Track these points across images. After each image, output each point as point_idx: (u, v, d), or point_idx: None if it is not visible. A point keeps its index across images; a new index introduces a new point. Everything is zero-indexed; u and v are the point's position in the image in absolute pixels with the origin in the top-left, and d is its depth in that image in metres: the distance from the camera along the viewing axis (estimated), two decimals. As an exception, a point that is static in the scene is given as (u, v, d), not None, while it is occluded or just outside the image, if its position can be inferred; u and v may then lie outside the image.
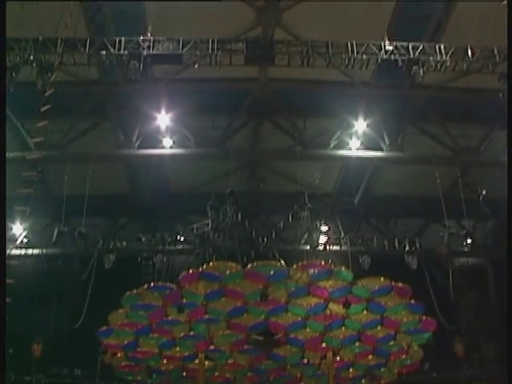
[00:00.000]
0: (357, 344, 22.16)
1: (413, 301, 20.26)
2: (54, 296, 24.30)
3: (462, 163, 20.58)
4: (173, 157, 19.78)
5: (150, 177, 22.04)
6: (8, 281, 18.51)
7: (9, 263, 19.43)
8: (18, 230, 20.23)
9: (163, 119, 18.89)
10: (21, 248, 20.76)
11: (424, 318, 20.88)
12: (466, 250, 22.16)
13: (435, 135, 20.00)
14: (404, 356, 22.89)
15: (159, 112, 18.76)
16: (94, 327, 20.55)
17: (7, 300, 17.48)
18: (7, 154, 15.67)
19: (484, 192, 19.73)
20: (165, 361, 22.49)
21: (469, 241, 20.76)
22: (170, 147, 19.36)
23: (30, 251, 21.36)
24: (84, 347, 21.85)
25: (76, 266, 22.15)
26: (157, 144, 19.31)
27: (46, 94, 16.16)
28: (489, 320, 24.52)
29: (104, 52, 15.83)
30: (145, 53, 15.69)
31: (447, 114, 19.63)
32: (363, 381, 24.38)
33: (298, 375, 23.95)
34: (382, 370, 23.69)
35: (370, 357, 22.89)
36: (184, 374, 23.20)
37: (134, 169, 21.62)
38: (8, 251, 19.74)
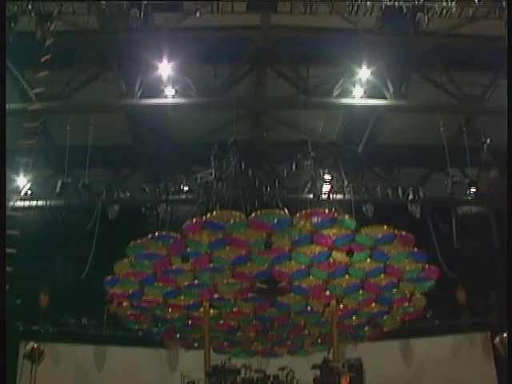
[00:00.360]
0: (360, 292, 22.95)
1: (416, 249, 20.97)
2: (59, 247, 25.05)
3: (467, 111, 20.76)
4: (175, 106, 19.93)
5: (152, 127, 22.32)
6: (13, 232, 19.40)
7: (13, 214, 20.20)
8: (21, 181, 20.71)
9: (165, 68, 18.94)
10: (25, 200, 21.28)
11: (427, 266, 21.61)
12: (469, 198, 22.67)
13: (440, 83, 20.10)
14: (407, 304, 23.74)
15: (161, 61, 18.78)
16: (99, 277, 21.31)
17: (11, 250, 18.40)
18: (8, 105, 16.25)
19: (488, 141, 20.24)
20: (170, 309, 23.43)
21: (472, 189, 21.09)
22: (173, 97, 19.50)
23: (33, 203, 21.85)
24: (90, 297, 22.52)
25: (80, 217, 22.65)
26: (159, 93, 19.46)
27: (46, 44, 16.49)
28: (491, 268, 25.25)
29: (104, 1, 16.22)
30: (145, 1, 16.09)
31: (452, 61, 19.71)
32: (366, 328, 25.33)
33: (302, 323, 24.88)
34: (385, 317, 24.60)
35: (373, 304, 23.69)
36: (189, 322, 24.18)
37: (137, 119, 21.86)
38: (12, 203, 20.40)
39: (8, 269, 17.79)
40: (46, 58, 17.55)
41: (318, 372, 21.00)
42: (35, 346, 18.96)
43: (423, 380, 25.41)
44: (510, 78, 14.43)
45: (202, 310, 23.18)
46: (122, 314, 23.68)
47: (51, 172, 22.75)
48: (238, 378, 20.74)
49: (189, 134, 23.18)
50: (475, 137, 20.56)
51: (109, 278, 21.65)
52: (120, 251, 20.78)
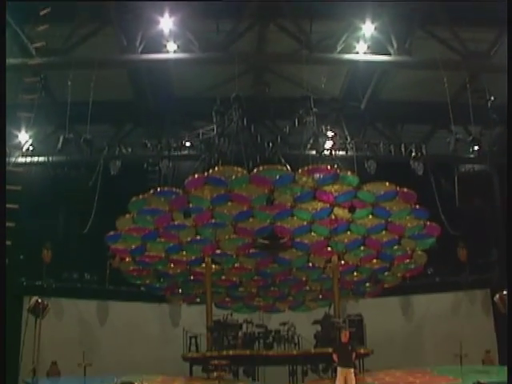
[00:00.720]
0: (361, 248, 23.65)
1: (418, 206, 21.54)
2: (61, 202, 25.73)
3: (471, 68, 20.82)
4: (177, 61, 19.87)
5: (154, 82, 22.55)
6: (15, 187, 20.12)
7: (15, 170, 20.86)
8: (23, 137, 21.06)
9: (166, 23, 18.91)
10: (26, 156, 21.70)
11: (428, 223, 22.22)
12: (472, 156, 23.11)
13: (444, 39, 20.17)
14: (408, 260, 24.48)
15: (162, 16, 18.74)
16: (101, 232, 21.99)
17: (13, 206, 19.13)
18: (7, 60, 16.70)
19: (492, 98, 20.61)
20: (172, 265, 24.18)
21: (475, 147, 21.28)
22: (174, 52, 19.43)
23: (35, 159, 22.34)
24: (93, 252, 23.22)
25: (82, 173, 23.14)
26: (160, 49, 19.37)
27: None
28: (493, 226, 25.82)
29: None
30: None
31: (457, 17, 19.64)
32: (367, 284, 26.13)
33: (304, 279, 25.66)
34: (386, 273, 25.42)
35: (375, 261, 24.41)
36: (191, 277, 24.97)
37: (138, 74, 22.04)
38: (14, 159, 20.96)
39: (10, 224, 18.52)
40: (46, 11, 17.95)
41: (318, 327, 22.02)
42: (39, 300, 19.44)
43: (423, 336, 26.26)
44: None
45: (203, 265, 23.94)
46: (124, 269, 24.40)
47: (53, 128, 23.00)
48: (239, 333, 21.69)
49: (191, 90, 23.35)
50: (479, 94, 20.72)
51: (111, 233, 22.30)
52: (122, 207, 21.38)
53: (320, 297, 26.84)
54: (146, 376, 17.01)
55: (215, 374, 20.09)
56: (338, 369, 15.61)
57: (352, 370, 15.54)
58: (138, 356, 23.57)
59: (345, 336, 15.84)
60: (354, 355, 15.92)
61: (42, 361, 19.62)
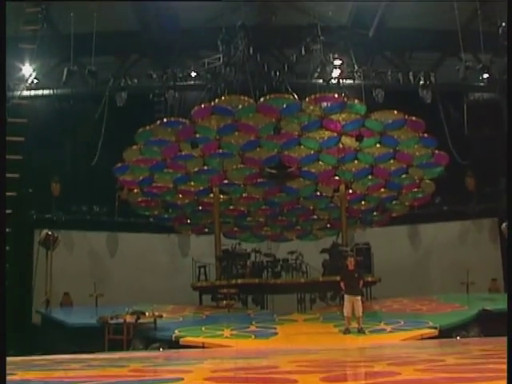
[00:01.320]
0: (369, 177, 23.97)
1: (426, 135, 21.76)
2: (67, 135, 26.03)
3: None
4: None
5: (159, 12, 22.57)
6: (21, 120, 20.44)
7: (20, 103, 21.14)
8: (27, 70, 21.12)
9: None
10: (31, 89, 21.76)
11: (436, 151, 22.45)
12: (482, 84, 23.04)
13: None
14: (415, 189, 24.79)
15: None
16: (109, 164, 22.37)
17: (19, 139, 19.50)
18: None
19: (503, 24, 20.46)
20: (180, 195, 24.62)
21: (485, 75, 21.11)
22: None
23: (40, 92, 22.39)
24: (101, 184, 23.59)
25: (88, 105, 23.26)
26: None
27: None
28: (501, 155, 25.90)
29: None
30: None
31: None
32: (375, 213, 26.51)
33: (311, 208, 26.07)
34: (394, 202, 25.78)
35: (382, 190, 24.71)
36: (199, 207, 25.44)
37: (143, 4, 22.08)
38: (19, 92, 21.17)
39: (17, 157, 19.06)
40: None
41: (326, 256, 22.58)
42: (49, 233, 19.85)
43: (430, 263, 26.81)
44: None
45: (211, 195, 24.35)
46: (132, 200, 24.88)
47: (57, 60, 22.79)
48: (247, 262, 22.30)
49: (196, 19, 23.27)
50: (490, 20, 20.58)
51: (119, 165, 22.72)
52: (129, 138, 21.70)
53: (328, 226, 27.23)
54: (156, 305, 17.54)
55: (224, 302, 20.84)
56: (346, 296, 16.00)
57: (359, 298, 15.94)
58: (148, 286, 24.16)
59: (351, 264, 16.22)
60: (361, 283, 16.33)
61: (55, 292, 20.10)
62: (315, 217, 26.94)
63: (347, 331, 15.40)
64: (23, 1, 17.78)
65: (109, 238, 26.32)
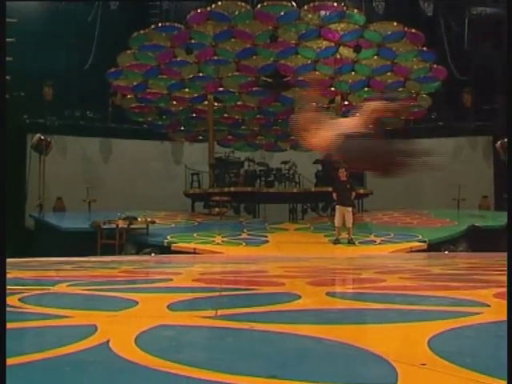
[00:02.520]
0: (365, 89, 23.67)
1: (425, 48, 21.36)
2: (60, 38, 25.36)
3: None
4: None
5: None
6: (10, 20, 19.95)
7: (12, 3, 20.55)
8: None
9: None
10: None
11: (435, 66, 22.12)
12: None
13: None
14: (412, 103, 25.02)
15: None
16: (102, 69, 22.09)
17: (10, 39, 19.10)
18: None
19: None
20: (174, 102, 24.37)
21: None
22: None
23: None
24: (94, 90, 23.37)
25: (81, 8, 22.78)
26: None
27: None
28: (500, 72, 25.58)
29: None
30: None
31: None
32: (370, 126, 26.73)
33: (306, 119, 26.31)
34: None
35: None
36: (193, 115, 25.25)
37: None
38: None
39: (8, 58, 18.75)
40: None
41: (319, 166, 22.68)
42: (42, 137, 19.71)
43: (422, 178, 26.83)
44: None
45: (206, 102, 24.11)
46: (126, 106, 24.69)
47: None
48: (241, 171, 22.32)
49: None
50: None
51: (112, 70, 22.35)
52: (123, 43, 21.26)
53: (322, 137, 27.09)
54: (149, 211, 17.69)
55: (216, 210, 21.03)
56: (337, 207, 16.12)
57: (350, 209, 16.02)
58: (141, 192, 24.29)
59: (343, 175, 16.24)
60: (353, 195, 16.37)
61: (48, 197, 20.17)
62: (310, 128, 26.69)
63: (337, 241, 15.64)
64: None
65: (102, 143, 26.23)
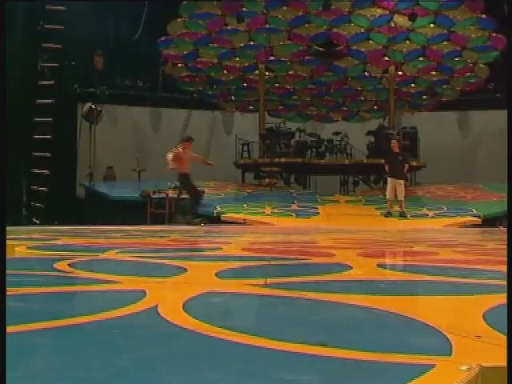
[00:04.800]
0: (420, 59, 23.29)
1: (484, 16, 20.86)
2: (112, 7, 25.46)
3: None
4: None
5: None
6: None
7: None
8: None
9: None
10: None
11: (494, 34, 21.58)
12: None
13: None
14: (468, 73, 24.07)
15: None
16: (153, 38, 22.24)
17: (60, 7, 19.24)
18: None
19: None
20: (225, 71, 24.48)
21: None
22: None
23: None
24: (145, 59, 23.47)
25: None
26: None
27: None
28: None
29: None
30: None
31: None
32: (424, 97, 26.08)
33: (359, 88, 25.70)
34: (445, 86, 25.14)
35: (434, 73, 24.04)
36: (244, 84, 25.32)
37: None
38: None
39: (58, 26, 18.95)
40: None
41: (372, 138, 22.43)
42: (92, 106, 19.91)
43: (477, 152, 26.42)
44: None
45: (257, 72, 24.12)
46: (176, 75, 24.86)
47: None
48: (292, 141, 22.30)
49: None
50: None
51: (162, 38, 22.49)
52: (173, 11, 21.34)
53: (375, 108, 26.97)
54: (198, 181, 17.79)
55: (267, 180, 21.06)
56: (388, 179, 15.96)
57: (402, 182, 15.84)
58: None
59: (396, 147, 16.08)
60: (405, 167, 16.14)
61: (99, 166, 20.47)
62: (362, 98, 26.66)
63: (389, 214, 15.53)
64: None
65: (152, 113, 26.45)
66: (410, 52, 23.17)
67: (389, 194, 15.71)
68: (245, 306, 2.30)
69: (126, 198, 16.38)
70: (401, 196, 15.46)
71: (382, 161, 16.99)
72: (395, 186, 15.56)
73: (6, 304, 1.72)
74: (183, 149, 13.20)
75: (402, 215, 15.33)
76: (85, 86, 23.76)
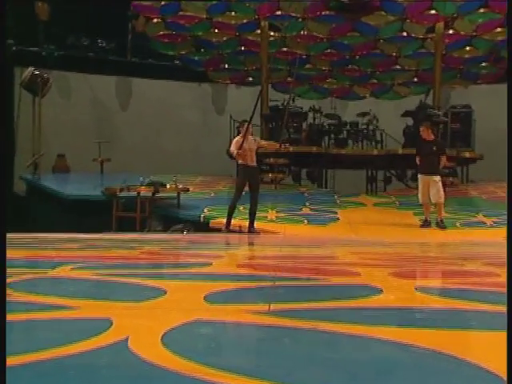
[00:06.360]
0: (481, 10, 22.85)
1: None
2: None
3: None
4: None
5: None
6: None
7: None
8: None
9: None
10: None
11: None
12: None
13: None
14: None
15: None
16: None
17: None
18: None
19: None
20: (216, 30, 24.38)
21: None
22: None
23: None
24: (109, 11, 23.42)
25: None
26: None
27: None
28: None
29: None
30: None
31: None
32: (483, 64, 25.91)
33: (394, 54, 25.66)
34: (513, 50, 25.24)
35: (499, 29, 23.49)
36: (241, 48, 25.38)
37: None
38: None
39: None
40: None
41: (410, 121, 22.36)
42: (36, 72, 19.62)
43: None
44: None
45: (258, 31, 23.94)
46: (152, 34, 24.72)
47: None
48: (303, 125, 22.29)
49: None
50: None
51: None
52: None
53: (415, 80, 27.03)
54: (181, 176, 17.78)
55: (270, 176, 21.04)
56: (419, 177, 15.55)
57: (438, 179, 15.18)
58: (171, 150, 24.43)
59: (427, 132, 15.52)
60: (442, 160, 15.60)
61: (46, 153, 20.15)
62: (398, 67, 26.64)
63: (426, 224, 15.14)
64: None
65: (119, 84, 26.41)
66: (466, 2, 22.77)
67: (421, 195, 15.28)
68: (241, 339, 2.33)
69: (84, 196, 16.41)
70: (437, 198, 14.96)
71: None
72: (428, 185, 15.15)
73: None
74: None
75: (440, 225, 14.90)
76: (24, 44, 23.32)
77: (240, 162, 13.41)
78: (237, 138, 13.57)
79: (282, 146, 14.58)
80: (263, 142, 14.14)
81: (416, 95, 25.16)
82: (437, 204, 14.99)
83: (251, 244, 9.74)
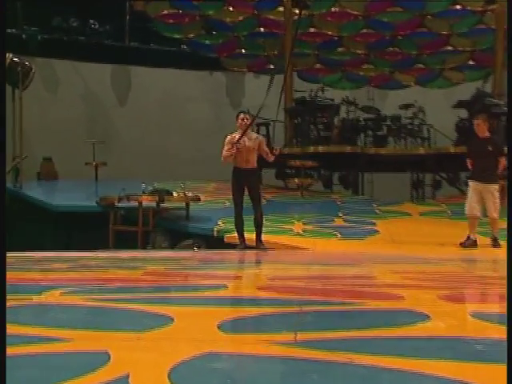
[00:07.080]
0: None
1: None
2: None
3: None
4: None
5: None
6: None
7: None
8: None
9: None
10: None
11: None
12: None
13: None
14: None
15: None
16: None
17: None
18: None
19: None
20: (230, 8, 24.38)
21: None
22: None
23: None
24: None
25: None
26: None
27: None
28: None
29: None
30: None
31: None
32: None
33: (444, 32, 25.49)
34: None
35: None
36: (260, 29, 25.34)
37: None
38: None
39: None
40: None
41: (464, 113, 22.30)
42: (15, 59, 19.55)
43: None
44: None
45: (281, 9, 23.95)
46: (154, 13, 24.72)
47: None
48: (335, 120, 22.29)
49: None
50: None
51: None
52: None
53: (470, 63, 26.92)
54: (190, 182, 17.84)
55: (296, 181, 21.04)
56: (469, 183, 14.98)
57: (495, 188, 14.68)
58: (178, 152, 24.46)
59: (482, 128, 14.88)
60: (501, 163, 15.00)
61: (30, 156, 20.21)
62: (450, 48, 26.42)
63: (470, 242, 14.44)
64: None
65: (115, 73, 26.43)
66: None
67: (469, 206, 14.60)
68: (262, 375, 2.34)
69: (75, 207, 16.44)
70: (493, 211, 14.42)
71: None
72: (481, 195, 14.56)
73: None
74: None
75: (494, 244, 14.35)
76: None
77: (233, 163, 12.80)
78: (232, 135, 12.75)
79: (274, 152, 13.88)
80: (265, 148, 13.34)
81: (471, 82, 25.17)
82: (492, 219, 14.33)
83: (274, 262, 9.75)
